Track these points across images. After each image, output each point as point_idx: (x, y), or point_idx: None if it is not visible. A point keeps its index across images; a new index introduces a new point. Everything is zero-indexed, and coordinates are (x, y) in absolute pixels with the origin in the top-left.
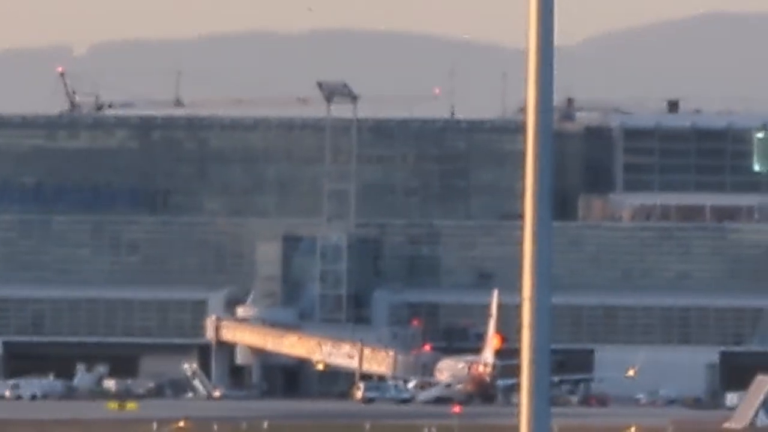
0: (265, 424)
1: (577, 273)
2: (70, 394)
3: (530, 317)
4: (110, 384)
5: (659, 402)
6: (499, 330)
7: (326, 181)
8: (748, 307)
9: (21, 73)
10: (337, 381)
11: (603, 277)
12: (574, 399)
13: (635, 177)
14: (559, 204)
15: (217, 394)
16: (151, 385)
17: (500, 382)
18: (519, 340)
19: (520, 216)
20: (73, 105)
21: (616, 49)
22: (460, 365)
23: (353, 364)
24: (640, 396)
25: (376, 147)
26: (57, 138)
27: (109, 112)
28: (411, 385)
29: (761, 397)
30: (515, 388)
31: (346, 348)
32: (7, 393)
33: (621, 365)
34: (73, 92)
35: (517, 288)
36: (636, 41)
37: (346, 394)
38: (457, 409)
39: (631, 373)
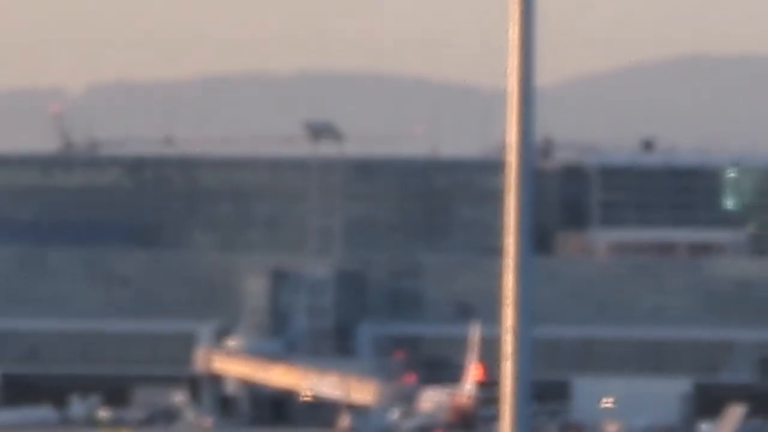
0: None
1: (555, 306)
2: (65, 423)
3: (512, 349)
4: (104, 413)
5: (636, 430)
6: (480, 361)
7: (312, 218)
8: (721, 340)
9: (18, 113)
10: (323, 410)
11: (580, 310)
12: (553, 428)
13: (611, 213)
14: (538, 240)
15: (207, 423)
16: (144, 414)
17: (481, 412)
18: (499, 371)
19: (500, 251)
20: (68, 144)
21: (594, 90)
22: (442, 395)
23: (339, 394)
24: (616, 425)
25: (361, 184)
26: (52, 176)
27: (102, 151)
28: (394, 414)
29: (733, 427)
30: (496, 418)
31: (332, 378)
32: None
33: (597, 395)
34: (68, 132)
35: (497, 320)
36: (613, 82)
37: (331, 424)
38: None
39: (608, 403)
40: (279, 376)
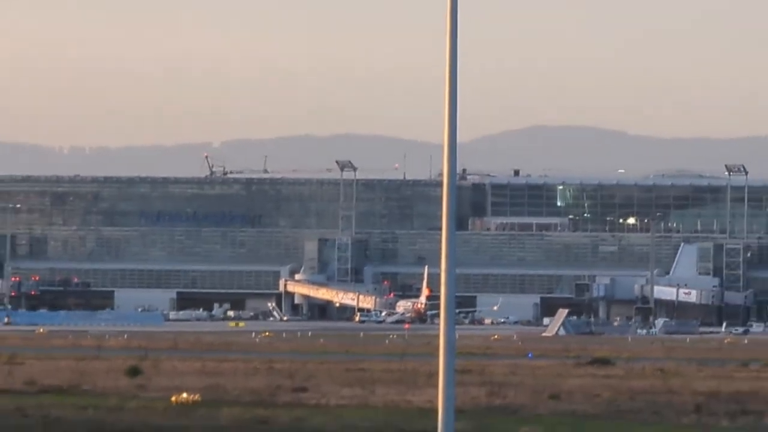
0: (310, 333)
1: (468, 258)
2: (210, 318)
3: (446, 279)
4: (231, 313)
5: (509, 323)
6: (429, 286)
7: (340, 211)
8: (555, 275)
9: (183, 157)
10: (346, 312)
11: (481, 260)
12: (466, 321)
13: (497, 209)
14: (458, 222)
15: (285, 319)
16: (252, 314)
17: (429, 313)
18: (440, 291)
19: (439, 228)
20: (212, 172)
21: (489, 143)
22: (409, 304)
23: (354, 303)
24: (500, 319)
25: (366, 193)
26: (203, 189)
27: (230, 176)
28: (383, 314)
29: (561, 321)
30: (437, 316)
31: (351, 295)
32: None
33: (490, 304)
34: (212, 165)
35: (438, 265)
36: (499, 138)
37: (350, 318)
38: (407, 326)
39: (495, 308)
40: (323, 294)
